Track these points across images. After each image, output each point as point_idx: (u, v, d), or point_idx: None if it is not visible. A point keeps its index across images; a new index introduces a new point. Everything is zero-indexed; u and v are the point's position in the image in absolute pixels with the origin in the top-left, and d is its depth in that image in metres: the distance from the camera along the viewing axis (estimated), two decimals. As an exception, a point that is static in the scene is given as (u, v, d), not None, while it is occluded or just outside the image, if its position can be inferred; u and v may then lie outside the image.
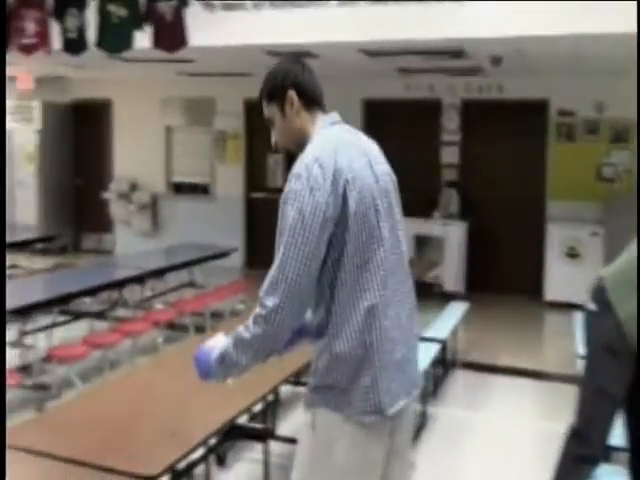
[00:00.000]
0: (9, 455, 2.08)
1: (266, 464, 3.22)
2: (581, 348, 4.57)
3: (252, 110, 9.41)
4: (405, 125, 8.69)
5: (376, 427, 1.78)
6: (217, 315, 6.27)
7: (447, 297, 6.84)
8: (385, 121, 8.72)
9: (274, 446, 3.49)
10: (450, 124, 8.52)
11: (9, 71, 9.15)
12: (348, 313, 1.76)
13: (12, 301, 4.60)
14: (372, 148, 1.98)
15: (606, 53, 6.09)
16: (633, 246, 2.65)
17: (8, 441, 2.15)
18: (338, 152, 1.80)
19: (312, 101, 1.95)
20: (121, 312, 6.18)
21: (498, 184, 8.39)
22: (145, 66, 7.86)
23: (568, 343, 6.38)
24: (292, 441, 3.73)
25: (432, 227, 8.03)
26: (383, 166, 1.95)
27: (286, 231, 1.73)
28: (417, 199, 8.42)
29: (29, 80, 9.50)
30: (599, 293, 2.60)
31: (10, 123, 10.33)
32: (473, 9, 5.22)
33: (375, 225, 1.80)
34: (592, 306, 2.63)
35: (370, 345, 1.76)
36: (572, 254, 7.63)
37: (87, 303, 5.95)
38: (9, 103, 10.37)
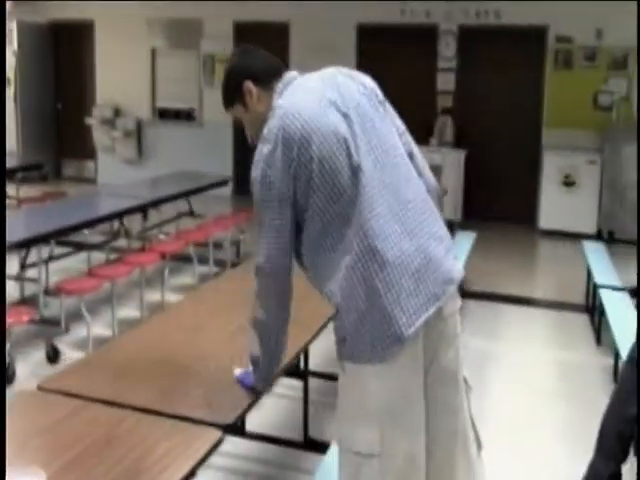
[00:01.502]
0: (57, 400, 2.02)
1: (306, 401, 3.23)
2: (598, 279, 4.65)
3: (243, 33, 9.06)
4: (400, 51, 8.47)
5: (402, 353, 1.74)
6: (218, 245, 6.19)
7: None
8: (379, 47, 8.50)
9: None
10: (446, 51, 8.32)
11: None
12: (335, 263, 1.78)
13: (12, 234, 4.46)
14: (337, 81, 1.96)
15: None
16: None
17: (53, 386, 2.10)
18: (285, 118, 1.81)
19: (268, 79, 1.96)
20: (120, 243, 6.07)
21: (494, 112, 8.29)
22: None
23: (566, 271, 6.50)
24: (327, 377, 3.77)
25: (429, 154, 7.93)
26: (355, 92, 1.93)
27: (258, 215, 1.85)
28: (413, 126, 8.24)
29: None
30: None
31: (-16, 44, 9.83)
32: None
33: (345, 163, 1.79)
34: None
35: (365, 281, 1.74)
36: (568, 182, 7.65)
37: (86, 234, 5.82)
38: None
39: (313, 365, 3.59)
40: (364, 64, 8.69)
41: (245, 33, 9.06)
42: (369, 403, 1.75)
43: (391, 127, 1.93)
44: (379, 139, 1.86)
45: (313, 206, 1.78)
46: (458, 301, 1.93)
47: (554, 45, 7.92)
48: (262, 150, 1.80)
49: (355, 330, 1.75)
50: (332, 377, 3.85)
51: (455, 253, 1.94)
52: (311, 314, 2.76)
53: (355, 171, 1.78)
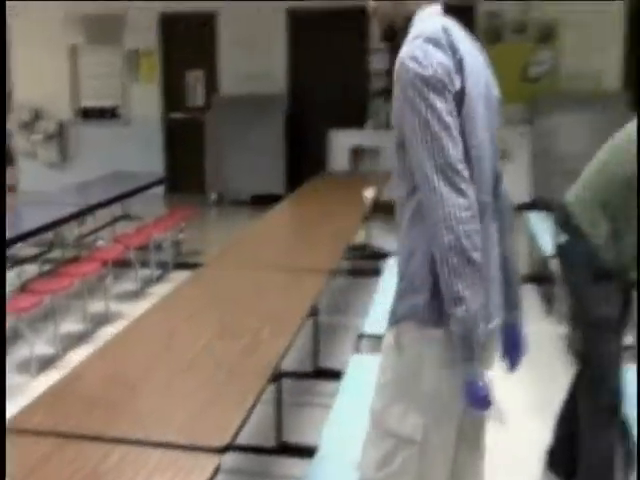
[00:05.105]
0: (29, 442, 1.80)
1: (279, 404, 3.06)
2: (546, 249, 4.65)
3: (168, 25, 8.76)
4: (332, 34, 8.34)
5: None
6: (158, 247, 5.93)
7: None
8: (310, 31, 8.36)
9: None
10: (377, 31, 8.23)
11: None
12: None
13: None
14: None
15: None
16: (592, 165, 2.45)
17: (23, 426, 1.87)
18: (449, 32, 1.63)
19: None
20: (54, 254, 5.74)
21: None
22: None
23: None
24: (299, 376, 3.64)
25: (366, 138, 7.86)
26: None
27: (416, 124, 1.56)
28: (348, 110, 8.23)
29: None
30: (566, 221, 2.43)
31: None
32: None
33: (482, 114, 1.65)
34: (562, 237, 2.45)
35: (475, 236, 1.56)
36: (501, 156, 7.67)
37: (17, 247, 5.45)
38: None
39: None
40: (295, 50, 8.54)
41: (171, 25, 8.75)
42: (423, 388, 1.64)
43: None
44: (490, 116, 1.76)
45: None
46: None
47: (484, 20, 7.96)
48: (429, 51, 1.57)
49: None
50: (305, 375, 3.73)
51: None
52: (286, 312, 2.62)
53: (482, 132, 1.68)
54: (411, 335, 1.65)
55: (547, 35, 7.87)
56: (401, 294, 1.68)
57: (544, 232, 5.04)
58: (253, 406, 1.92)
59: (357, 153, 7.92)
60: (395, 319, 1.68)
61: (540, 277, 5.14)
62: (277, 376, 3.13)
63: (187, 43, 8.82)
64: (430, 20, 1.67)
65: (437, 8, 1.72)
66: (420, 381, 1.65)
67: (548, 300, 4.80)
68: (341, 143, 7.90)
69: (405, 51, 1.60)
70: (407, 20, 1.70)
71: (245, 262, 3.47)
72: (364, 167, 7.84)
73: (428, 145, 1.54)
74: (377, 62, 8.28)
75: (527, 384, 3.64)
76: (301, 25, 8.40)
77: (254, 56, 8.39)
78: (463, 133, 1.58)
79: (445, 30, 1.63)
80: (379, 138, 7.84)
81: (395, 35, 1.73)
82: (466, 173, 1.55)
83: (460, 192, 1.53)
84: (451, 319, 1.54)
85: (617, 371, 2.38)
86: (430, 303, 1.60)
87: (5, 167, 5.55)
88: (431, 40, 1.59)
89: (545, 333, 4.37)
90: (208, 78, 8.80)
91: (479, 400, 1.56)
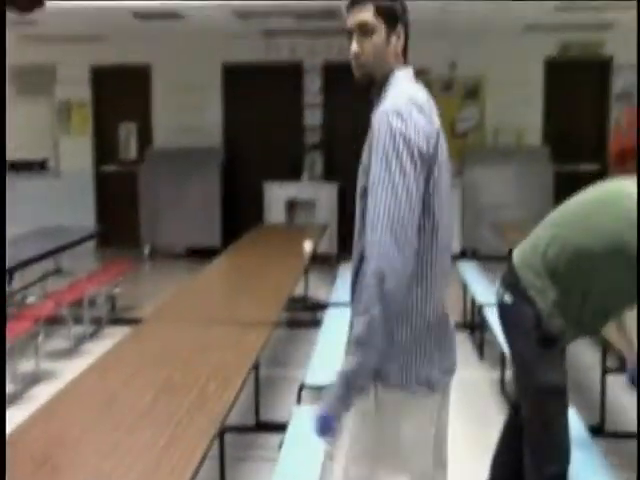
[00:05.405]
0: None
1: (222, 459, 3.01)
2: (478, 297, 4.78)
3: (101, 77, 8.73)
4: (267, 88, 8.51)
5: (431, 400, 1.71)
6: (92, 303, 5.79)
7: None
8: (246, 85, 8.50)
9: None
10: (312, 86, 8.45)
11: None
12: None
13: None
14: None
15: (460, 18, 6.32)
16: (542, 227, 2.41)
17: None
18: (430, 100, 1.75)
19: (405, 49, 1.81)
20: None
21: (361, 144, 8.47)
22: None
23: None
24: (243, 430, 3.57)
25: (302, 190, 7.96)
26: None
27: (384, 174, 1.61)
28: (283, 163, 8.35)
29: None
30: (514, 283, 2.36)
31: None
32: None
33: (443, 185, 1.71)
34: (507, 297, 2.38)
35: (434, 312, 1.69)
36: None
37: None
38: None
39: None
40: (230, 104, 8.65)
41: (103, 77, 8.73)
42: (405, 446, 1.65)
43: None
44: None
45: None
46: None
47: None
48: (412, 113, 1.65)
49: (420, 345, 1.67)
50: (247, 429, 3.68)
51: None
52: (230, 366, 2.60)
53: (442, 200, 1.73)
54: (387, 396, 1.67)
55: (472, 92, 8.26)
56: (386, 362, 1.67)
57: (475, 281, 5.20)
58: (200, 464, 1.89)
59: (293, 205, 8.01)
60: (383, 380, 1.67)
61: (472, 324, 5.27)
62: (221, 431, 3.09)
63: (120, 95, 8.81)
64: (407, 82, 1.73)
65: (410, 72, 1.78)
66: (399, 441, 1.66)
67: (480, 346, 4.92)
68: (276, 195, 7.98)
69: (390, 106, 1.66)
70: (385, 77, 1.75)
71: (185, 316, 3.43)
72: (299, 219, 7.93)
73: (388, 202, 1.58)
74: (311, 117, 8.48)
75: (464, 425, 3.70)
76: (237, 79, 8.52)
77: (189, 109, 8.46)
78: (429, 199, 1.65)
79: (427, 97, 1.72)
80: (314, 191, 7.97)
81: (370, 84, 1.78)
82: (415, 242, 1.60)
83: (404, 256, 1.57)
84: (346, 358, 1.60)
85: (564, 433, 2.31)
86: (401, 365, 1.66)
87: (5, 177, 5.35)
88: (415, 104, 1.66)
89: (479, 378, 4.49)
90: (142, 131, 8.79)
91: (325, 432, 1.62)
